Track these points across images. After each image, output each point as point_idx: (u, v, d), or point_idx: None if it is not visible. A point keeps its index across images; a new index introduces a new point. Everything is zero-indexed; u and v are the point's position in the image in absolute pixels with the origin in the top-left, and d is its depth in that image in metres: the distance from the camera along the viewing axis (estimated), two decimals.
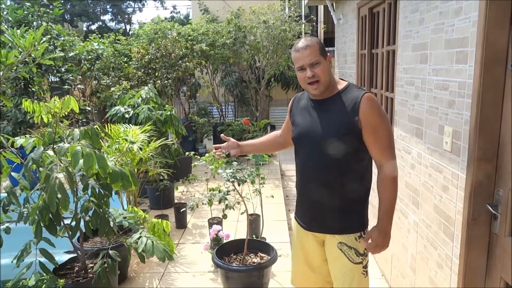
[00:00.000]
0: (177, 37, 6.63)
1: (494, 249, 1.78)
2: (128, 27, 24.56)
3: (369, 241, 1.81)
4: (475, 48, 1.74)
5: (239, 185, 2.79)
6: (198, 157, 3.44)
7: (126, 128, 3.80)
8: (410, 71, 2.59)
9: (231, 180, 2.73)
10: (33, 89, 5.40)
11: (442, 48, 2.09)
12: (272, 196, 3.99)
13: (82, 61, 6.53)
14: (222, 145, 2.18)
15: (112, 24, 25.15)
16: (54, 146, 2.25)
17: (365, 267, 1.88)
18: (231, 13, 7.48)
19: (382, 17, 3.29)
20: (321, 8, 9.24)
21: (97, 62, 6.66)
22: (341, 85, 1.85)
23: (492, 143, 1.74)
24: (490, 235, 1.81)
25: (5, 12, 5.60)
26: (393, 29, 2.99)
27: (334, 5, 5.30)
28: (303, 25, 7.48)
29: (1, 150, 2.28)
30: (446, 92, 2.05)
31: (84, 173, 2.21)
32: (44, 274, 2.28)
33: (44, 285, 2.22)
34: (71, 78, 6.00)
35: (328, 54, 1.82)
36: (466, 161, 1.83)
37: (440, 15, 2.11)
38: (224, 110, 8.93)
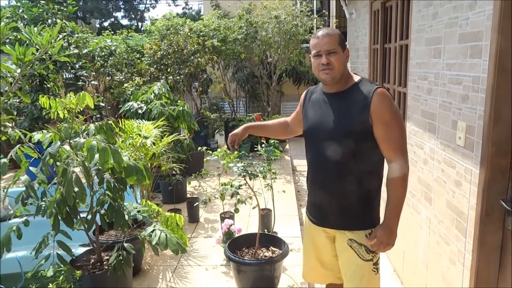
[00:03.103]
0: (189, 33, 6.66)
1: (508, 245, 1.77)
2: (140, 24, 24.71)
3: (375, 239, 1.80)
4: (490, 42, 1.73)
5: (250, 179, 2.81)
6: (210, 152, 3.47)
7: (140, 123, 3.85)
8: (423, 65, 2.58)
9: (242, 174, 2.75)
10: (48, 85, 5.49)
11: (456, 42, 2.08)
12: (284, 191, 4.01)
13: (96, 57, 6.62)
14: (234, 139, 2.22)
15: (124, 21, 25.35)
16: (71, 141, 2.30)
17: (376, 264, 1.87)
18: (242, 9, 7.47)
19: (395, 11, 3.26)
20: (333, 3, 9.15)
21: (110, 58, 6.74)
22: (354, 79, 1.84)
23: (506, 138, 1.72)
24: (503, 231, 1.80)
25: (20, 10, 5.70)
26: (406, 23, 2.97)
27: None
28: (315, 20, 7.44)
29: (19, 145, 2.34)
30: (459, 86, 2.04)
31: (100, 167, 2.25)
32: (62, 266, 2.34)
33: (61, 276, 2.28)
34: (85, 74, 6.09)
35: (347, 48, 1.81)
36: (480, 156, 1.82)
37: (454, 9, 2.09)
38: (235, 105, 8.95)
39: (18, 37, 4.51)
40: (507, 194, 1.75)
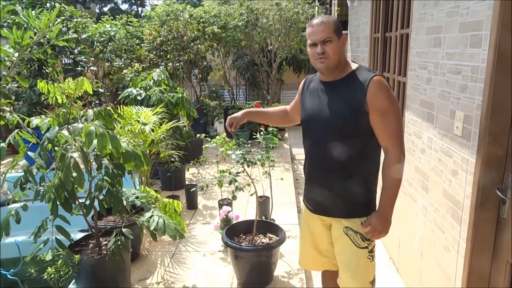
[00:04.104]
0: (189, 19, 6.61)
1: (502, 233, 1.79)
2: (140, 9, 24.47)
3: (369, 226, 1.81)
4: (490, 31, 1.72)
5: (248, 167, 2.82)
6: (209, 139, 3.48)
7: (138, 110, 3.84)
8: (423, 55, 2.57)
9: (241, 162, 2.76)
10: (47, 70, 5.47)
11: (456, 31, 2.07)
12: (282, 179, 4.03)
13: (95, 43, 6.57)
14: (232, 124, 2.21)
15: (124, 6, 25.10)
16: (69, 126, 2.30)
17: (371, 251, 1.89)
18: None
19: (396, 0, 3.23)
20: None
21: (109, 44, 6.69)
22: (352, 67, 1.83)
23: (504, 128, 1.73)
24: (498, 219, 1.82)
25: None
26: (408, 12, 2.95)
27: None
28: (316, 7, 7.37)
29: (17, 130, 2.34)
30: (458, 76, 2.03)
31: (98, 152, 2.26)
32: (60, 250, 2.36)
33: (60, 260, 2.30)
34: (84, 60, 6.05)
35: (343, 35, 1.80)
36: (477, 146, 1.83)
37: None
38: (235, 93, 8.92)
39: (16, 20, 4.48)
40: (502, 184, 1.76)
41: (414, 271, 2.73)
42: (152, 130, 3.66)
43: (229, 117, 2.22)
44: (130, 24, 7.60)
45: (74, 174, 2.13)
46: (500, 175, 1.76)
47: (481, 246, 1.85)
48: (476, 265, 1.88)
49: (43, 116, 2.39)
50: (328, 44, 1.74)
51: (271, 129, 3.68)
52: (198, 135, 4.06)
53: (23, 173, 2.27)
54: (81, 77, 2.39)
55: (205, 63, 8.12)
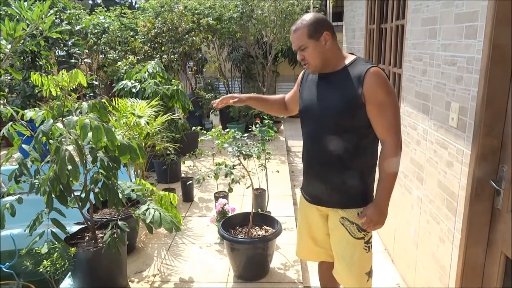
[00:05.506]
0: (183, 11, 6.55)
1: (496, 224, 1.81)
2: (134, 0, 24.22)
3: (365, 217, 1.82)
4: (485, 22, 1.72)
5: (244, 159, 2.82)
6: (205, 132, 3.47)
7: (133, 102, 3.82)
8: (418, 46, 2.56)
9: (236, 154, 2.76)
10: (41, 63, 5.41)
11: (451, 22, 2.06)
12: (278, 171, 4.03)
13: (89, 35, 6.51)
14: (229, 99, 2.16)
15: None
16: (63, 119, 2.28)
17: (367, 242, 1.90)
18: None
19: None
20: None
21: (103, 36, 6.63)
22: (349, 59, 1.82)
23: (498, 119, 1.73)
24: (492, 210, 1.83)
25: None
26: (403, 3, 2.93)
27: None
28: None
29: (11, 122, 2.32)
30: (454, 67, 2.03)
31: (93, 145, 2.24)
32: (56, 243, 2.35)
33: (56, 253, 2.30)
34: (78, 52, 5.99)
35: (325, 32, 1.75)
36: (472, 137, 1.83)
37: None
38: (230, 85, 8.88)
39: (8, 11, 4.41)
40: (497, 175, 1.77)
41: (409, 262, 2.75)
42: (148, 123, 3.64)
43: (232, 95, 2.15)
44: (124, 15, 7.52)
45: (69, 167, 2.12)
46: (495, 166, 1.77)
47: (475, 237, 1.87)
48: (470, 255, 1.90)
49: (37, 109, 2.36)
50: (305, 50, 1.78)
51: (266, 121, 3.68)
52: (193, 127, 4.04)
53: (17, 166, 2.25)
54: (75, 69, 2.36)
55: (200, 55, 8.06)
